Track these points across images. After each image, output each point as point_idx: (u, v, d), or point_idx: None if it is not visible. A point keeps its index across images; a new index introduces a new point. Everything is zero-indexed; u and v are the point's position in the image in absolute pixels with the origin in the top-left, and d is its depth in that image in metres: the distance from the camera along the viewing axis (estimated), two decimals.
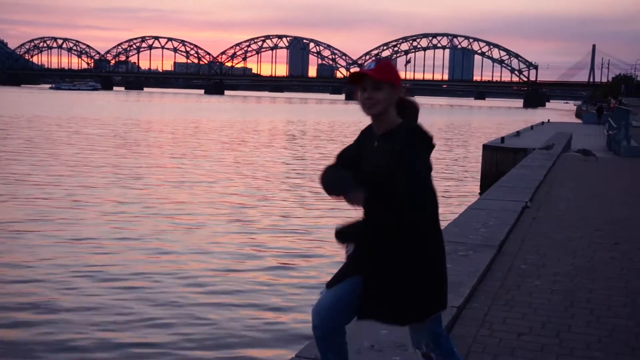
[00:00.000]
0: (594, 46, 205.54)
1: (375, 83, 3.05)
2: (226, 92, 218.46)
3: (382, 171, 3.01)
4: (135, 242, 12.41)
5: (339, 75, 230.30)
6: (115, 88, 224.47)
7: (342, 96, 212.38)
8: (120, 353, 7.35)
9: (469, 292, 5.58)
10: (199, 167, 24.60)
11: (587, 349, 4.48)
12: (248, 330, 8.14)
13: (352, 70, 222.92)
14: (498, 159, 23.05)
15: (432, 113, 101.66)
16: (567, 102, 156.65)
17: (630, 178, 15.11)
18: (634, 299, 5.68)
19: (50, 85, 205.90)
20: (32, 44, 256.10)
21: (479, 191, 21.92)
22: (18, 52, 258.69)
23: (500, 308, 5.34)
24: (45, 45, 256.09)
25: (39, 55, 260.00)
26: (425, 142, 3.03)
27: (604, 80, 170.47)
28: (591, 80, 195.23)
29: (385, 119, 3.11)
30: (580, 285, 6.04)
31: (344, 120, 68.14)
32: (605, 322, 5.06)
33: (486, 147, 24.00)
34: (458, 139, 46.68)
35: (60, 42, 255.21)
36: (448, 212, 17.51)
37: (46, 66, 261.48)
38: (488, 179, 22.59)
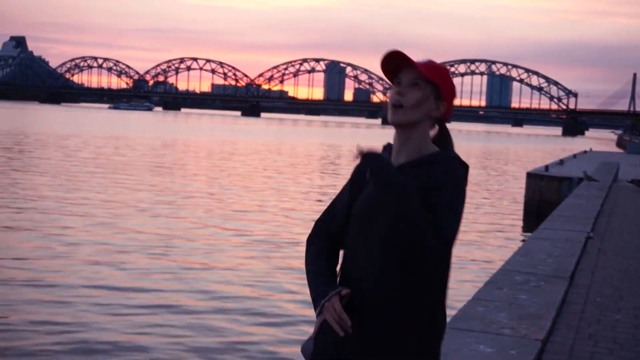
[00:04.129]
0: (634, 75, 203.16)
1: (414, 77, 2.24)
2: (262, 115, 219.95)
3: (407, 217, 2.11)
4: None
5: (375, 99, 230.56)
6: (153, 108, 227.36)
7: (379, 121, 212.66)
8: None
9: (550, 324, 5.41)
10: (233, 195, 22.70)
11: None
12: None
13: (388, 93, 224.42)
14: (542, 187, 22.75)
15: (469, 139, 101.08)
16: (612, 132, 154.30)
17: None
18: None
19: (109, 105, 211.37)
20: (73, 62, 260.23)
21: (522, 219, 21.64)
22: (59, 71, 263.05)
23: (585, 342, 5.16)
24: (85, 64, 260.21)
25: (80, 74, 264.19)
26: (466, 180, 2.26)
27: None
28: (631, 109, 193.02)
29: (414, 137, 2.27)
30: None
31: (380, 145, 68.01)
32: None
33: (530, 175, 23.68)
34: (496, 166, 46.26)
35: (100, 61, 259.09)
36: (495, 240, 17.30)
37: (86, 85, 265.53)
38: (531, 207, 22.32)
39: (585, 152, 45.50)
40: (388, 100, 2.29)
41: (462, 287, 10.48)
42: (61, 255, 12.38)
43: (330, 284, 2.28)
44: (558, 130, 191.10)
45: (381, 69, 2.30)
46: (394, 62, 2.28)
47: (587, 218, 11.56)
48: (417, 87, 2.24)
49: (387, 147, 2.39)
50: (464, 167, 2.25)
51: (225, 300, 10.05)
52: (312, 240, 2.44)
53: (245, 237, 15.01)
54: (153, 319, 9.03)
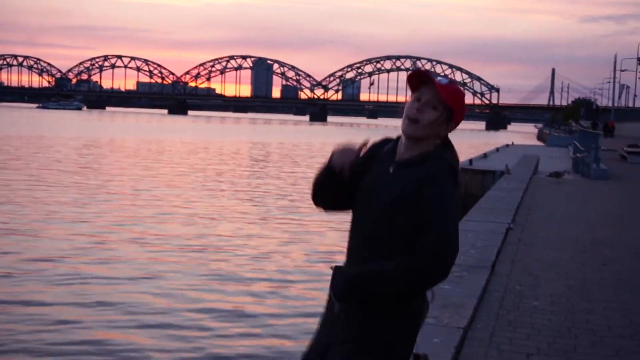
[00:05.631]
0: (553, 70, 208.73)
1: (434, 98, 2.46)
2: (190, 112, 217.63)
3: (391, 205, 2.44)
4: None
5: (303, 96, 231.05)
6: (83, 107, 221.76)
7: (307, 117, 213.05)
8: None
9: (472, 313, 5.60)
10: (165, 194, 22.44)
11: None
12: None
13: (316, 90, 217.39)
14: (466, 181, 23.21)
15: (394, 134, 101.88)
16: (535, 126, 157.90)
17: (604, 199, 15.36)
18: (632, 320, 5.75)
19: (37, 105, 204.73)
20: None
21: None
22: None
23: (505, 329, 5.37)
24: (5, 63, 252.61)
25: None
26: (455, 181, 2.48)
27: (564, 103, 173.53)
28: (551, 103, 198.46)
29: (420, 147, 2.51)
30: (577, 306, 6.11)
31: (307, 142, 68.23)
32: (609, 342, 5.12)
33: None
34: None
35: (20, 59, 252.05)
36: None
37: (5, 84, 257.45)
38: None
39: (507, 145, 46.59)
40: (405, 109, 2.53)
41: None
42: None
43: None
44: (482, 125, 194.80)
45: (407, 80, 2.56)
46: (418, 77, 2.53)
47: (508, 210, 11.93)
48: (435, 110, 2.47)
49: (385, 141, 2.69)
50: (450, 168, 2.47)
51: (143, 313, 9.48)
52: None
53: (170, 242, 14.33)
54: (56, 336, 8.38)
